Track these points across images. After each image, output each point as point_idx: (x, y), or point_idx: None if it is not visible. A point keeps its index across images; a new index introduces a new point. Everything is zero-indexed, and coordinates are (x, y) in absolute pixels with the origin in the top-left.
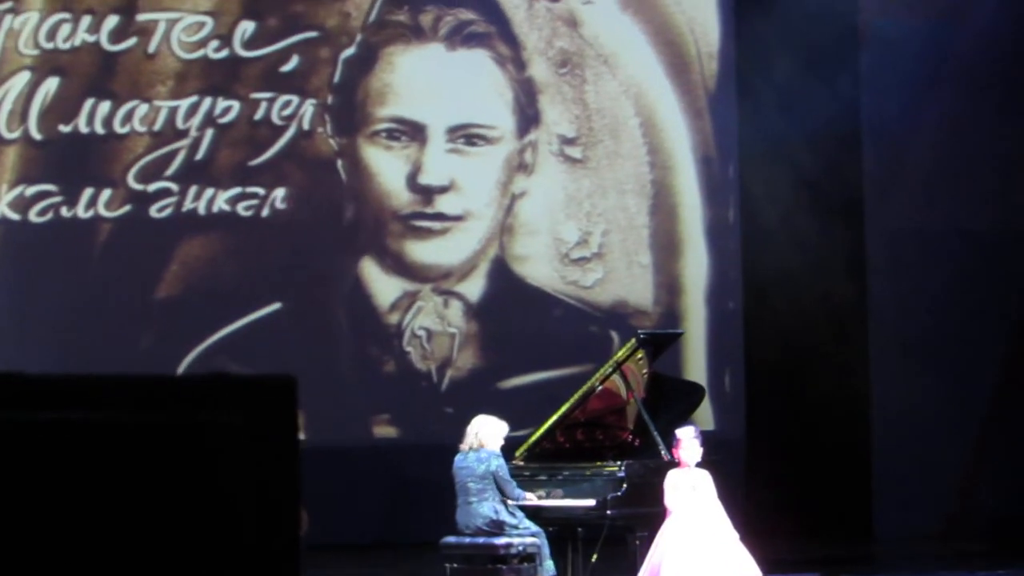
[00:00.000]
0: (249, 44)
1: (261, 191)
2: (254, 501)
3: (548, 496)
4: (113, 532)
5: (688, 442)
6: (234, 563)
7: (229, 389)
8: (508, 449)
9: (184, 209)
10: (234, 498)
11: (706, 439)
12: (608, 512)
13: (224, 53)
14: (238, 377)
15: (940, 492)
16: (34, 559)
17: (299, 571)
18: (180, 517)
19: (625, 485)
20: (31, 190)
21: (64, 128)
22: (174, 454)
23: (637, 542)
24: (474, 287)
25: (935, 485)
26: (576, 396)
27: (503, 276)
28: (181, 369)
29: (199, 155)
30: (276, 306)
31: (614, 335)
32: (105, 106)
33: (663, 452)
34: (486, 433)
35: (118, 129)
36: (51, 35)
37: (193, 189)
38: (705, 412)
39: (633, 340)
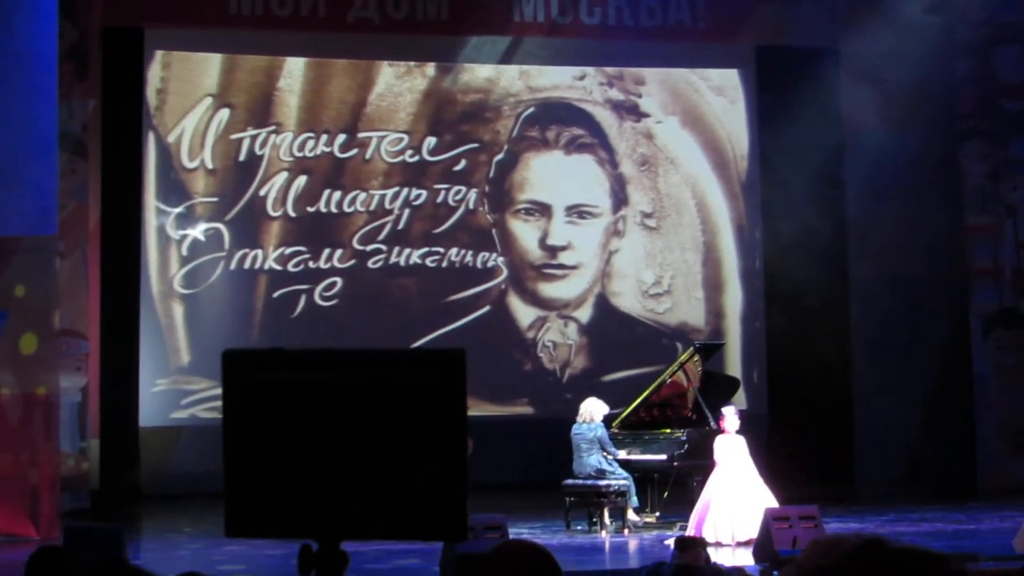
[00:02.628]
0: (432, 152)
1: (441, 250)
2: (439, 429)
3: (634, 452)
4: (359, 443)
5: (730, 416)
6: (426, 466)
7: (425, 357)
8: (607, 420)
9: (390, 262)
10: (427, 426)
11: (741, 415)
12: (675, 464)
13: (416, 158)
14: (430, 351)
15: (900, 450)
16: (304, 465)
17: (467, 473)
18: (400, 437)
19: (686, 445)
20: (289, 250)
21: (310, 209)
22: (392, 399)
23: (694, 484)
24: (584, 313)
25: (897, 446)
26: (653, 385)
27: (604, 306)
28: None
29: (400, 226)
30: (452, 326)
31: (678, 345)
32: (337, 194)
33: (712, 423)
34: (594, 410)
35: (346, 209)
36: (301, 147)
37: (396, 248)
38: (740, 396)
39: (691, 348)
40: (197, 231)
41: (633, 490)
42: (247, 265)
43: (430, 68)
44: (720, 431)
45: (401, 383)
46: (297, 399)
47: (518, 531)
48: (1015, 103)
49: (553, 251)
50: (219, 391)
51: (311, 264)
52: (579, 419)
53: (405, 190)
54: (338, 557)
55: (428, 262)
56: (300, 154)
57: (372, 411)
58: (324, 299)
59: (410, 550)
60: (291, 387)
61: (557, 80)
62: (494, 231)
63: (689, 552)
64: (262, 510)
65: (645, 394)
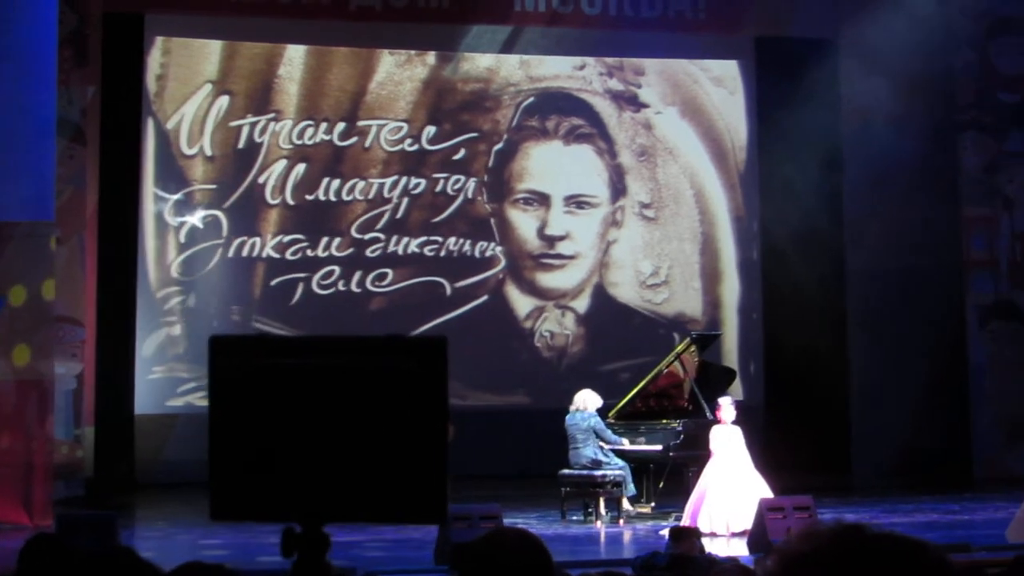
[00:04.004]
0: (432, 141)
1: (439, 239)
2: (421, 415)
3: (631, 443)
4: (342, 427)
5: (726, 407)
6: (407, 451)
7: (407, 344)
8: (603, 411)
9: (388, 251)
10: (409, 412)
11: (738, 405)
12: (671, 454)
13: (415, 147)
14: (413, 338)
15: (896, 441)
16: (287, 449)
17: (447, 458)
18: (382, 422)
19: (682, 436)
20: (287, 238)
21: (309, 197)
22: (375, 385)
23: (690, 474)
24: (582, 303)
25: (892, 437)
26: (649, 376)
27: (601, 296)
28: None
29: (399, 215)
30: (450, 315)
31: (675, 335)
32: (336, 182)
33: (708, 414)
34: (587, 399)
35: (344, 198)
36: (300, 135)
37: (394, 237)
38: (737, 387)
39: (688, 338)
40: (195, 218)
41: (629, 480)
42: (245, 253)
43: (431, 57)
44: (716, 421)
45: (384, 369)
46: (282, 384)
47: (513, 520)
48: (1012, 95)
49: (551, 241)
50: None
51: (309, 252)
52: (572, 408)
53: (404, 179)
54: (320, 540)
55: (426, 251)
56: (299, 142)
57: (355, 396)
58: (322, 287)
59: (407, 539)
60: (276, 372)
61: (557, 70)
62: (492, 220)
63: (684, 542)
64: (246, 493)
65: (642, 384)
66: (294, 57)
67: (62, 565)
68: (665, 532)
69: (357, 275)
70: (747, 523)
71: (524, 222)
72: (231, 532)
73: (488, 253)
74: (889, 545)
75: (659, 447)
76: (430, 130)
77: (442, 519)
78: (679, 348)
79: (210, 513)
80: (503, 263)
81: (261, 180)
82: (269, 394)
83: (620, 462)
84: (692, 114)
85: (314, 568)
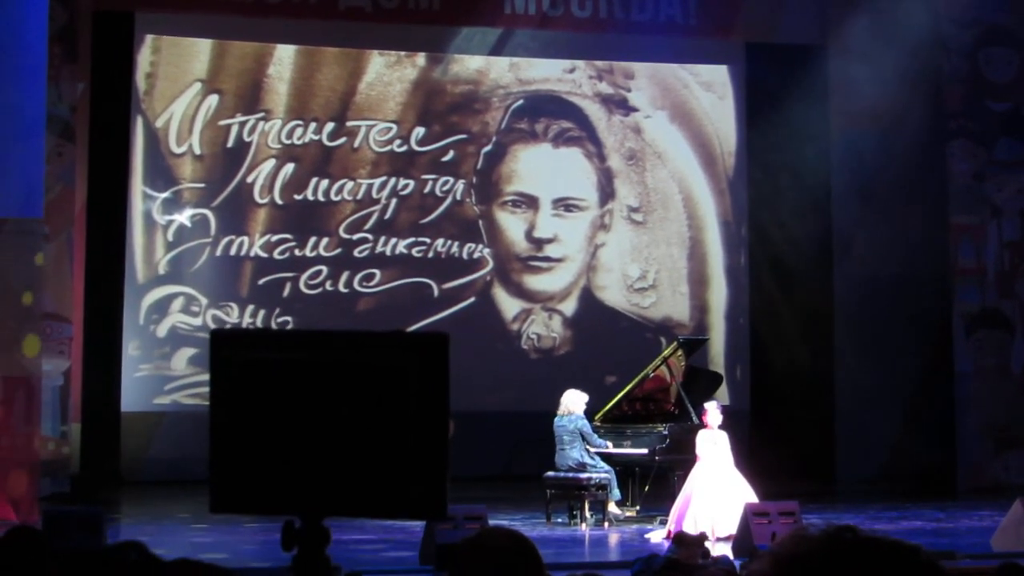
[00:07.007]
0: (421, 142)
1: (428, 240)
2: (422, 410)
3: (616, 446)
4: (343, 422)
5: (712, 411)
6: (408, 446)
7: (410, 340)
8: (591, 413)
9: (376, 251)
10: (411, 408)
11: (724, 410)
12: (656, 458)
13: (404, 148)
14: (415, 333)
15: (881, 448)
16: (288, 443)
17: (448, 454)
18: (383, 417)
19: (668, 440)
20: (275, 237)
21: (297, 197)
22: (377, 380)
23: (675, 478)
24: (569, 306)
25: (878, 444)
26: (636, 380)
27: (588, 299)
28: None
29: (387, 216)
30: (437, 317)
31: (662, 340)
32: (324, 182)
33: (694, 418)
34: (573, 402)
35: (333, 198)
36: (289, 135)
37: (383, 238)
38: (723, 392)
39: (675, 343)
40: (183, 216)
41: (614, 483)
42: (233, 251)
43: (420, 58)
44: (703, 425)
45: (386, 365)
46: (283, 378)
47: (499, 522)
48: (1000, 103)
49: (539, 243)
50: (202, 377)
51: (297, 252)
52: (560, 411)
53: (392, 180)
54: (320, 534)
55: (414, 252)
56: (288, 141)
57: (357, 391)
58: (309, 287)
59: (390, 540)
60: (278, 366)
61: (547, 72)
62: (481, 222)
63: (685, 549)
64: (246, 487)
65: (628, 388)
66: (284, 57)
67: (40, 559)
68: (651, 536)
69: (345, 275)
70: (732, 528)
71: (512, 224)
72: (219, 530)
73: (476, 255)
74: (880, 547)
75: (645, 451)
76: (419, 131)
77: (442, 515)
78: (666, 352)
79: (210, 506)
80: (491, 265)
81: (250, 179)
82: (270, 387)
83: (606, 465)
84: (681, 118)
85: (315, 562)
